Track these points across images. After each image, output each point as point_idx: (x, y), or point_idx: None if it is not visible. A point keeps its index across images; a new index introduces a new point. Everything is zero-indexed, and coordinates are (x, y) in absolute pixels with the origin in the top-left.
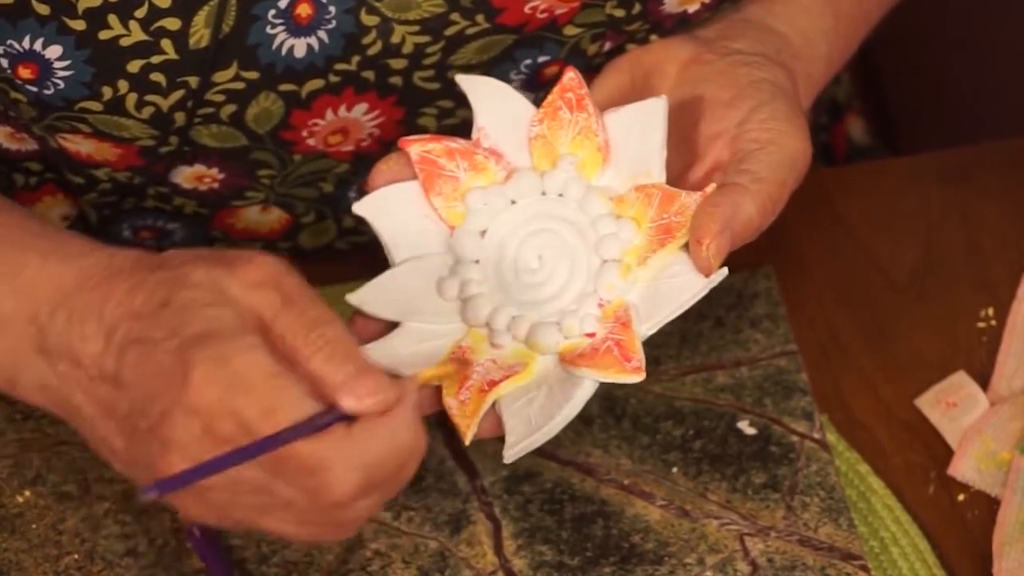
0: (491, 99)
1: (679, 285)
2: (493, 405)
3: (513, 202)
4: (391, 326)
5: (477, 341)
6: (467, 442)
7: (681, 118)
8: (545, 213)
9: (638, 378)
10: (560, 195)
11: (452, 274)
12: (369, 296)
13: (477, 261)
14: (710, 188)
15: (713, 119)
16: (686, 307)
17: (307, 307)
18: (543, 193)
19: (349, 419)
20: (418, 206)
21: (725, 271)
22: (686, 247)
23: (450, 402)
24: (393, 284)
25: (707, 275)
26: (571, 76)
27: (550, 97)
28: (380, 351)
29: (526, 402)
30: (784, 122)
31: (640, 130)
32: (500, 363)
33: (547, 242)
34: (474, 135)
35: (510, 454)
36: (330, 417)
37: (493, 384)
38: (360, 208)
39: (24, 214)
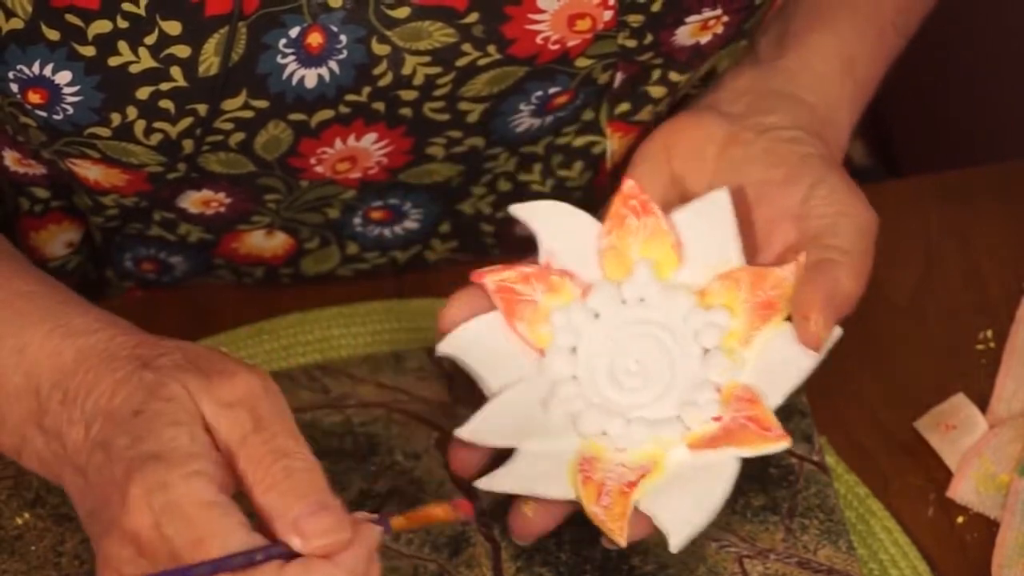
0: (553, 221)
1: (794, 354)
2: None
3: (596, 316)
4: (493, 453)
5: (599, 450)
6: (624, 544)
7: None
8: (631, 319)
9: (786, 444)
10: (641, 299)
11: (554, 393)
12: (479, 427)
13: (574, 377)
14: (802, 258)
15: (770, 201)
16: (808, 372)
17: (276, 433)
18: (623, 302)
19: (293, 557)
20: (502, 334)
21: (839, 331)
22: (788, 319)
23: (595, 510)
24: (499, 412)
25: (816, 349)
26: (631, 184)
27: (613, 208)
28: (506, 479)
29: (675, 493)
30: (846, 194)
31: (708, 223)
32: (630, 465)
33: (641, 347)
34: (542, 259)
35: (678, 544)
36: (268, 553)
37: (632, 485)
38: (445, 348)
39: (34, 278)
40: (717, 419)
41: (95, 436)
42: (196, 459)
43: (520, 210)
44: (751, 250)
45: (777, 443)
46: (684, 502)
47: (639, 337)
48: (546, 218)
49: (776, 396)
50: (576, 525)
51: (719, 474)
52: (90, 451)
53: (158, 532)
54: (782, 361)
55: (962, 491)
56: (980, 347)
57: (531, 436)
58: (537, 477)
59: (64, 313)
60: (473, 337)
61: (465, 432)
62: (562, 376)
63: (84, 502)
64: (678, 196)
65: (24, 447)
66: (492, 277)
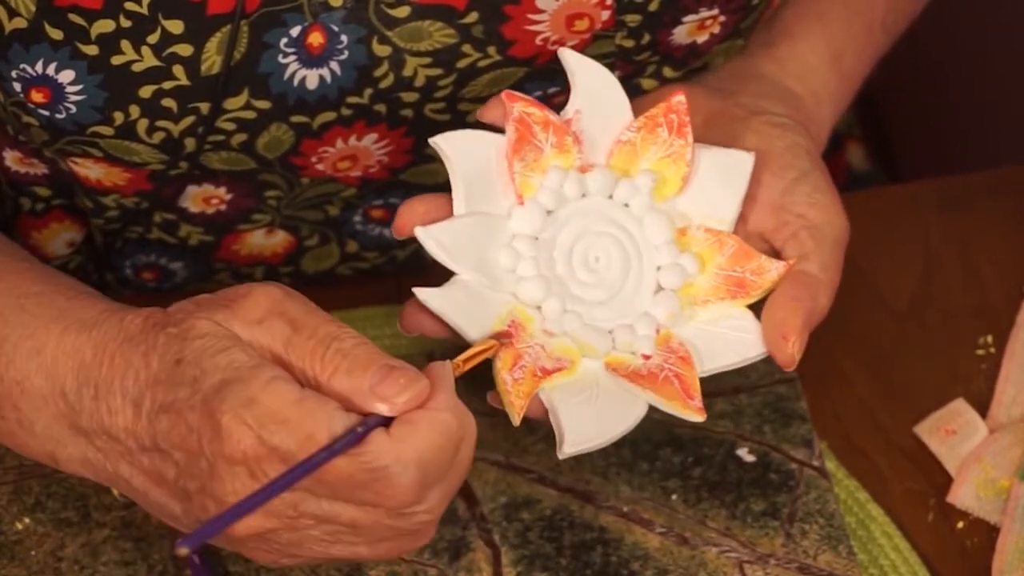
0: (594, 85)
1: (747, 341)
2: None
3: (584, 195)
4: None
5: (527, 320)
6: (517, 421)
7: None
8: (612, 218)
9: (700, 418)
10: (626, 205)
11: (511, 243)
12: (437, 234)
13: (537, 238)
14: (793, 262)
15: (753, 180)
16: (750, 362)
17: (316, 327)
18: (610, 196)
19: (389, 423)
20: (496, 162)
21: None
22: (752, 306)
23: (505, 376)
24: (459, 232)
25: (789, 368)
26: (680, 99)
27: (654, 111)
28: (441, 300)
29: (583, 401)
30: (827, 195)
31: (724, 176)
32: (549, 351)
33: (607, 247)
34: (568, 113)
35: (569, 451)
36: (367, 425)
37: (546, 372)
38: (443, 139)
39: (40, 276)
40: (646, 357)
41: (150, 408)
42: (264, 368)
43: (570, 57)
44: None
45: (694, 414)
46: (589, 415)
47: (610, 238)
48: (589, 78)
49: (711, 367)
50: (576, 529)
51: (628, 410)
52: (150, 423)
53: (264, 446)
54: (730, 341)
55: (962, 496)
56: (980, 352)
57: (475, 271)
58: (466, 313)
59: (74, 309)
60: (470, 147)
61: (422, 232)
62: (527, 231)
63: (163, 476)
64: None
65: (59, 451)
66: (521, 105)
